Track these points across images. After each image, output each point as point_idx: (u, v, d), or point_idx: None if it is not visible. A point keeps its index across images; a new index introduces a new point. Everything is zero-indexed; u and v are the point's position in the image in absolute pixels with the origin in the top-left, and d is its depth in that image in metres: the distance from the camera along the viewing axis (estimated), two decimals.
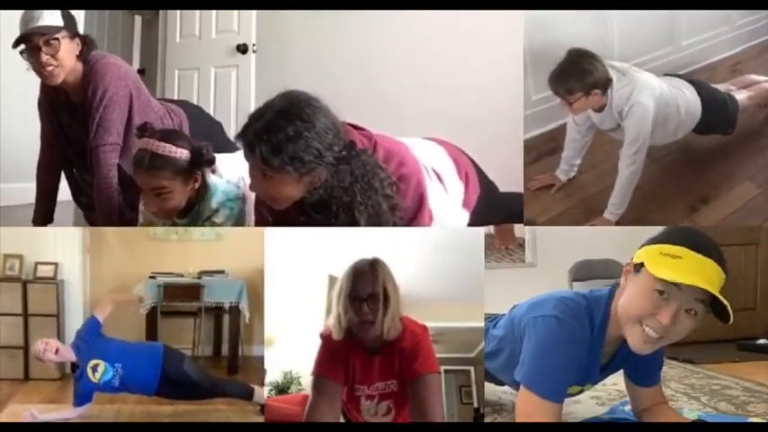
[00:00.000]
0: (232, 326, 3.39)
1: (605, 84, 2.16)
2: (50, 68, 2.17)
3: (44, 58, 2.15)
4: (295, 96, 1.65)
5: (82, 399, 2.13)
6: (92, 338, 2.14)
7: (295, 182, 1.65)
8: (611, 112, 2.21)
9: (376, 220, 1.68)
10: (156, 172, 1.93)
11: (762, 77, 2.54)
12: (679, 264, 1.32)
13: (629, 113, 2.17)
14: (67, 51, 2.19)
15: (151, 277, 3.37)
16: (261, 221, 1.94)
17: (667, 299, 1.33)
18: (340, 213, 1.68)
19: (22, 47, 2.16)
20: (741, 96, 2.43)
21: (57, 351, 2.10)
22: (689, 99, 2.28)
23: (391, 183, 1.71)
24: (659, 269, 1.33)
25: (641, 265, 1.38)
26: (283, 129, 1.59)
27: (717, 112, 2.33)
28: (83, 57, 2.24)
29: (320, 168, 1.64)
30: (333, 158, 1.64)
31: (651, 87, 2.19)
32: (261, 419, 2.20)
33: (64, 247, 3.30)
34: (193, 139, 2.09)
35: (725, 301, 1.30)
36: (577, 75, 2.15)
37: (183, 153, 1.94)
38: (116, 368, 2.13)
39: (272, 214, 1.85)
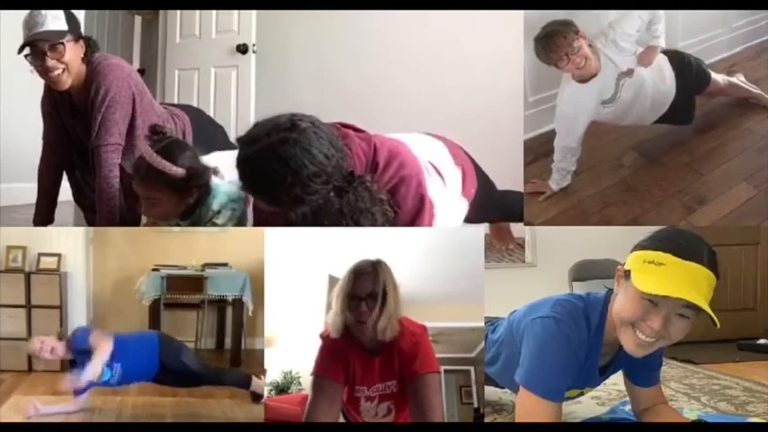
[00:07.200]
0: (235, 318, 3.39)
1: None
2: (57, 73, 2.18)
3: (50, 62, 2.16)
4: (287, 130, 1.58)
5: (80, 390, 2.15)
6: (85, 354, 2.13)
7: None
8: (617, 48, 2.26)
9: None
10: (150, 183, 1.95)
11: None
12: (662, 272, 1.31)
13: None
14: (73, 55, 2.20)
15: (154, 269, 3.37)
16: (259, 222, 1.94)
17: (656, 305, 1.33)
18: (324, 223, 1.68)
19: (27, 50, 2.16)
20: (718, 76, 2.49)
21: (52, 350, 2.11)
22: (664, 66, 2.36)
23: (386, 215, 1.67)
24: (643, 281, 1.33)
25: (629, 272, 1.39)
26: (275, 176, 1.56)
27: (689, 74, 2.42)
28: (86, 58, 2.25)
29: (314, 199, 1.62)
30: (326, 191, 1.62)
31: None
32: (255, 408, 2.23)
33: (67, 238, 3.29)
34: (196, 143, 2.09)
35: (708, 310, 1.29)
36: (560, 25, 2.20)
37: (178, 171, 1.93)
38: (114, 369, 2.15)
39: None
